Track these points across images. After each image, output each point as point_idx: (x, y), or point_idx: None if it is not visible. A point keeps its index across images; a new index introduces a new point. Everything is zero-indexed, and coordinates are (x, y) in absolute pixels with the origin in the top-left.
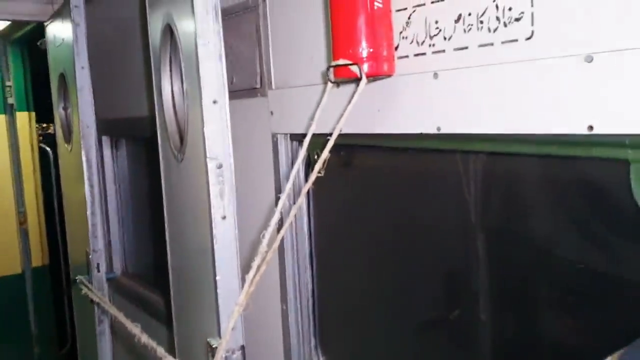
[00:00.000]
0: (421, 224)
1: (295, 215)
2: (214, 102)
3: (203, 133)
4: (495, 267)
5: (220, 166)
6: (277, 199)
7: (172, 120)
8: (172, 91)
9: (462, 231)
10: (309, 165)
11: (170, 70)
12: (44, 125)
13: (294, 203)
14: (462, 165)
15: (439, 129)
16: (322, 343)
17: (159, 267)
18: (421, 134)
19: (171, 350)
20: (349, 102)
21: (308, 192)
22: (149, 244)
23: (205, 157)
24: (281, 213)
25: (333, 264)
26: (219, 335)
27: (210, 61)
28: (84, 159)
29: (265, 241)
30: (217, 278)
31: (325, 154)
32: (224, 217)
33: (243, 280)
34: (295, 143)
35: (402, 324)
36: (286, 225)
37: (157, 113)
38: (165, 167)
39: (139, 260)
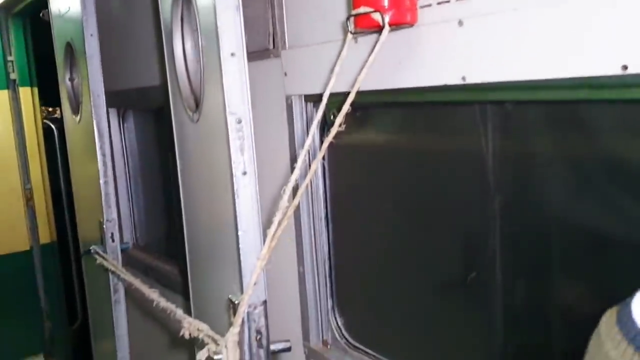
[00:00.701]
0: (441, 183)
1: (311, 179)
2: (232, 54)
3: (222, 87)
4: (521, 228)
5: (239, 121)
6: (293, 163)
7: (185, 82)
8: (184, 52)
9: (485, 189)
10: (324, 128)
11: (182, 31)
12: (50, 109)
13: (310, 166)
14: (487, 118)
15: (464, 78)
16: (339, 305)
17: (170, 238)
18: (445, 85)
19: (187, 314)
20: (370, 54)
21: (324, 154)
22: (159, 216)
23: (225, 112)
24: (297, 177)
25: (349, 226)
26: (241, 292)
27: (228, 12)
28: (95, 128)
29: (285, 196)
30: (239, 233)
31: (344, 111)
32: (244, 173)
33: (264, 236)
34: (310, 105)
35: (418, 285)
36: (302, 188)
37: (169, 76)
38: (178, 131)
39: (149, 232)
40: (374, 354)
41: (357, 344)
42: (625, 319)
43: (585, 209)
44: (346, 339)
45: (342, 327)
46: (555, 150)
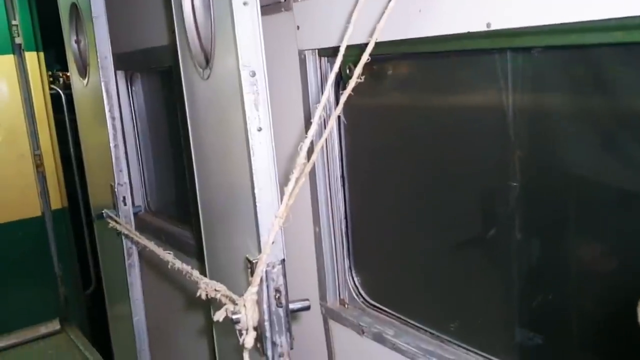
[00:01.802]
0: (461, 138)
1: (326, 138)
2: (245, 3)
3: (234, 38)
4: (549, 184)
5: (253, 74)
6: (307, 120)
7: (194, 37)
8: (192, 7)
9: (507, 144)
10: (339, 83)
11: None
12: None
13: (325, 124)
14: (511, 68)
15: (488, 25)
16: (356, 264)
17: (182, 201)
18: (468, 32)
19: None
20: (389, 1)
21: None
22: (170, 179)
23: (238, 65)
24: (314, 133)
25: (366, 184)
26: (259, 251)
27: None
28: (103, 90)
29: (303, 152)
30: (255, 191)
31: (364, 61)
32: (260, 129)
33: (281, 194)
34: (324, 59)
35: (436, 243)
36: (319, 145)
37: (177, 33)
38: (188, 90)
39: (161, 196)
40: (392, 312)
41: (374, 303)
42: None
43: (616, 164)
44: (364, 298)
45: (359, 286)
46: (586, 102)
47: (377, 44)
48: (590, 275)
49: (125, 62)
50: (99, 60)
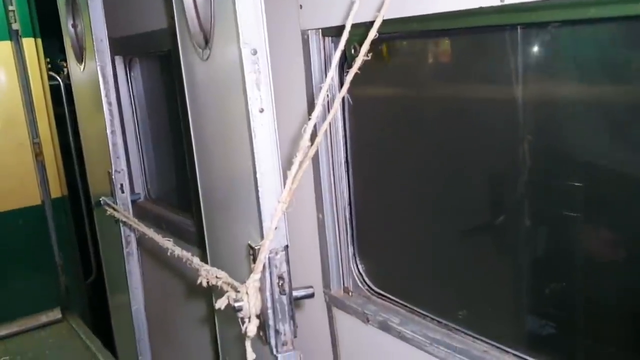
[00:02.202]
0: (468, 123)
1: (330, 120)
2: None
3: (235, 14)
4: (565, 170)
5: (255, 52)
6: (310, 102)
7: (193, 17)
8: None
9: (516, 129)
10: (343, 64)
11: None
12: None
13: (329, 106)
14: (525, 47)
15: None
16: (360, 252)
17: (182, 189)
18: (480, 8)
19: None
20: None
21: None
22: (171, 167)
23: (239, 43)
24: (318, 115)
25: (371, 170)
26: (261, 237)
27: None
28: (100, 75)
29: (307, 135)
30: (258, 175)
31: (370, 38)
32: (261, 110)
33: (284, 178)
34: (328, 39)
35: (442, 230)
36: (323, 127)
37: (175, 14)
38: (188, 72)
39: (161, 183)
40: (397, 300)
41: (379, 291)
42: None
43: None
44: (368, 285)
45: (363, 273)
46: (607, 83)
47: (384, 22)
48: (601, 264)
49: (123, 47)
50: (94, 44)
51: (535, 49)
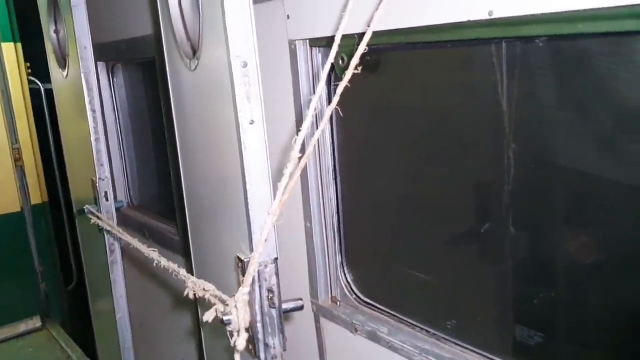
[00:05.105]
0: (456, 133)
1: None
2: None
3: (225, 26)
4: (549, 178)
5: (245, 65)
6: (298, 113)
7: (180, 26)
8: None
9: (503, 138)
10: (331, 76)
11: None
12: None
13: (318, 119)
14: (513, 60)
15: (490, 13)
16: (348, 261)
17: (167, 197)
18: (469, 21)
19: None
20: None
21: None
22: (154, 174)
23: (228, 55)
24: (308, 126)
25: (359, 179)
26: (250, 249)
27: None
28: (83, 82)
29: (297, 147)
30: (248, 187)
31: (361, 51)
32: (252, 122)
33: (274, 190)
34: (316, 50)
35: (430, 239)
36: (314, 138)
37: (162, 22)
38: (174, 82)
39: (144, 191)
40: (386, 310)
41: (368, 301)
42: None
43: (617, 159)
44: (356, 295)
45: (351, 283)
46: (592, 91)
47: (374, 34)
48: (589, 272)
49: (106, 53)
50: (79, 51)
51: (524, 62)
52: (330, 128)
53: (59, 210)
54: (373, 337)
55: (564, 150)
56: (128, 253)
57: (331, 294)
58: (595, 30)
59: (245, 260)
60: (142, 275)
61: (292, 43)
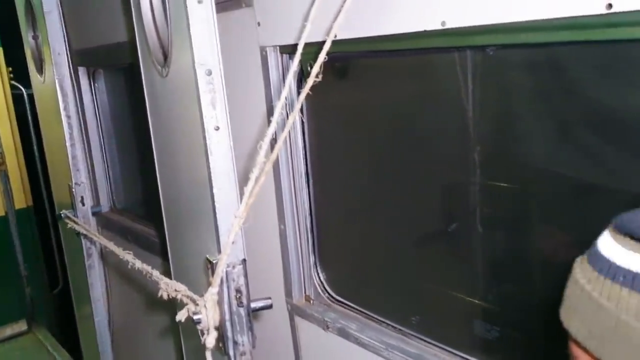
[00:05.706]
0: (421, 135)
1: (289, 133)
2: (199, 1)
3: (190, 37)
4: (503, 179)
5: (209, 73)
6: (269, 117)
7: (153, 35)
8: (151, 4)
9: (466, 140)
10: (301, 80)
11: None
12: None
13: (287, 120)
14: (467, 65)
15: (443, 23)
16: (321, 261)
17: (148, 201)
18: (424, 31)
19: (167, 276)
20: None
21: (302, 108)
22: (137, 178)
23: (194, 64)
24: (275, 131)
25: (331, 181)
26: (219, 251)
27: None
28: (58, 88)
29: (262, 152)
30: (214, 191)
31: (320, 61)
32: (217, 128)
33: (241, 194)
34: (286, 56)
35: (400, 238)
36: (280, 142)
37: (136, 30)
38: (149, 87)
39: (128, 195)
40: (357, 307)
41: (340, 299)
42: (595, 257)
43: (568, 159)
44: (329, 293)
45: (324, 282)
46: (538, 98)
47: (336, 42)
48: (553, 268)
49: (87, 58)
50: (52, 56)
51: (480, 68)
52: (301, 132)
53: (44, 214)
54: (343, 333)
55: (516, 151)
56: (108, 256)
57: (305, 293)
58: (536, 40)
59: (214, 262)
60: (123, 279)
61: (262, 49)
